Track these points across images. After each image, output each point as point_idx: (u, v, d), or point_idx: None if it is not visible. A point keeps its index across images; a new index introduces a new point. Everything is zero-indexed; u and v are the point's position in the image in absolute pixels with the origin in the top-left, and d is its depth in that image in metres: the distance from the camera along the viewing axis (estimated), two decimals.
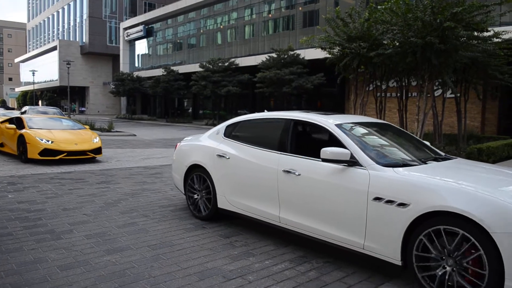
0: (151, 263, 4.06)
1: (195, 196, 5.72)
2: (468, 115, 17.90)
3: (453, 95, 15.32)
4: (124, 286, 3.55)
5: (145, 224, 5.41)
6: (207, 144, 5.61)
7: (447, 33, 11.36)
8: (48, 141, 10.49)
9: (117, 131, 22.64)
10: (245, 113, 35.11)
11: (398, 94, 15.61)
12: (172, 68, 38.06)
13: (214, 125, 31.17)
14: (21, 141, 10.82)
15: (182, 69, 38.29)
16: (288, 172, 4.39)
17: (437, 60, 11.72)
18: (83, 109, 61.53)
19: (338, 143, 4.14)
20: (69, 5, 64.30)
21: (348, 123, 4.64)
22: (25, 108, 23.14)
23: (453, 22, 11.04)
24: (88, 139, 11.35)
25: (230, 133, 5.45)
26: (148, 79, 41.94)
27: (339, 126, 4.36)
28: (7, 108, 58.70)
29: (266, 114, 5.42)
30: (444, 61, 11.99)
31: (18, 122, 11.79)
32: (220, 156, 5.25)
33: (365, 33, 13.69)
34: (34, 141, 10.47)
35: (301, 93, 26.13)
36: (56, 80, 61.80)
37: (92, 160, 11.35)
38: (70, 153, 10.64)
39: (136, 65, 51.37)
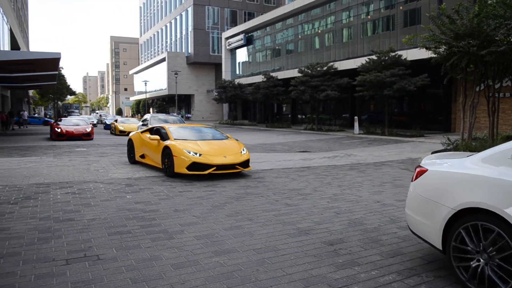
0: (257, 267, 4.15)
1: (475, 264, 3.47)
2: None
3: None
4: None
5: (249, 227, 5.56)
6: (493, 175, 3.40)
7: None
8: (196, 153, 9.50)
9: None
10: (347, 117, 33.87)
11: None
12: (271, 74, 38.78)
13: (313, 129, 31.04)
14: (167, 153, 9.91)
15: (281, 75, 38.80)
16: None
17: None
18: (189, 115, 65.36)
19: None
20: (175, 19, 69.00)
21: None
22: (147, 116, 24.04)
23: None
24: (235, 151, 10.13)
25: None
26: (249, 86, 43.25)
27: None
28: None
29: None
30: None
31: (160, 133, 11.13)
32: None
33: (474, 29, 12.77)
34: (181, 154, 9.51)
35: (403, 96, 24.94)
36: (165, 89, 66.61)
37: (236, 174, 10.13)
38: (219, 167, 9.54)
39: (237, 72, 53.26)
